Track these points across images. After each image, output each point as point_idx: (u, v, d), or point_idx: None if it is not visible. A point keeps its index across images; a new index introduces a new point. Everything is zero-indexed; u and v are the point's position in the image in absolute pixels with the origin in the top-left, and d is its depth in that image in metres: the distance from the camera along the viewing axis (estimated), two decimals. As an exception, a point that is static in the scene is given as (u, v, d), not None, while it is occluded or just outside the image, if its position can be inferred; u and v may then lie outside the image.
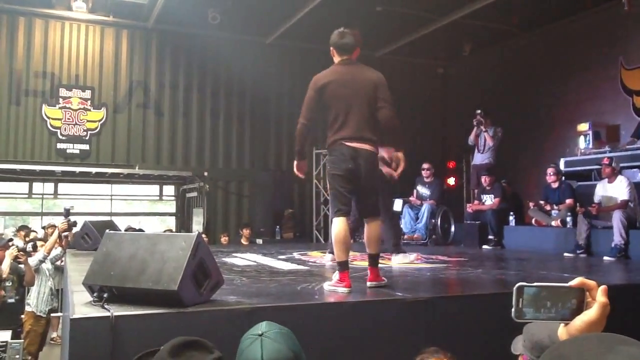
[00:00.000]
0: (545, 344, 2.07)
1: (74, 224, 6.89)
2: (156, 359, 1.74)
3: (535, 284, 1.06)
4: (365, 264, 4.04)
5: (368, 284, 3.82)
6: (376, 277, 3.85)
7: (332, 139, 3.86)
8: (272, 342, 1.74)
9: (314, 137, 11.96)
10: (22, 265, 6.43)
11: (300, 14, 10.04)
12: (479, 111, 9.27)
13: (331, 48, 4.01)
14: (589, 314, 1.04)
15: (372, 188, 3.93)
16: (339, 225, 3.80)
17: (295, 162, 4.15)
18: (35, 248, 7.04)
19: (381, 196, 4.25)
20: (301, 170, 4.13)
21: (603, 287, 1.06)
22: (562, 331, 1.06)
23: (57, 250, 7.09)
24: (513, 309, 1.05)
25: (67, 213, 7.02)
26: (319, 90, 3.86)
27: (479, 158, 9.31)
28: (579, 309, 1.05)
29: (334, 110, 3.82)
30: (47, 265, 7.03)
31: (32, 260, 6.59)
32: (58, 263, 7.41)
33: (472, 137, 9.34)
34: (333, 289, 3.70)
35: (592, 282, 1.06)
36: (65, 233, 6.93)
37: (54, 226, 8.28)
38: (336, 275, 3.78)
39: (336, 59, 4.00)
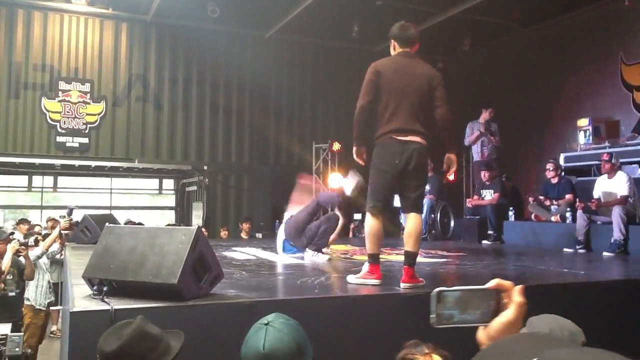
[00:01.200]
0: None
1: (76, 223, 6.91)
2: (134, 329, 1.83)
3: (452, 288, 1.06)
4: (364, 258, 4.04)
5: (401, 285, 3.65)
6: (411, 278, 3.67)
7: (381, 131, 3.78)
8: (276, 332, 1.74)
9: (314, 131, 12.00)
10: (22, 259, 6.44)
11: (300, 8, 10.02)
12: (491, 126, 9.07)
13: (391, 40, 3.96)
14: (506, 315, 1.04)
15: (418, 181, 3.89)
16: (373, 219, 3.79)
17: (354, 149, 3.97)
18: (37, 242, 7.05)
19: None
20: (361, 157, 3.96)
21: (519, 286, 1.06)
22: (482, 334, 1.06)
23: (55, 246, 7.11)
24: (432, 315, 1.05)
25: (70, 212, 7.05)
26: (377, 73, 3.79)
27: (480, 155, 9.23)
28: (497, 310, 1.05)
29: (385, 98, 3.76)
30: (44, 260, 7.05)
31: (30, 255, 6.60)
32: (58, 256, 7.42)
33: (472, 139, 9.19)
34: (362, 281, 3.71)
35: (508, 283, 1.06)
36: (67, 231, 6.95)
37: (54, 219, 8.30)
38: (366, 267, 3.78)
39: (396, 50, 3.95)
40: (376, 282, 3.69)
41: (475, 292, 1.06)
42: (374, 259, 3.77)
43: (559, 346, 0.75)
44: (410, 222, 3.83)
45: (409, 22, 3.99)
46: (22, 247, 6.37)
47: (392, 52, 3.99)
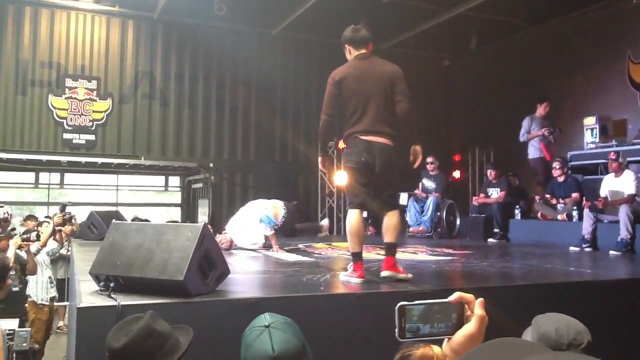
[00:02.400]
0: (552, 336, 2.08)
1: (69, 219, 6.94)
2: (142, 326, 1.83)
3: (416, 302, 1.07)
4: (367, 256, 4.07)
5: (381, 273, 3.78)
6: (391, 267, 3.79)
7: (347, 132, 3.91)
8: (281, 333, 1.72)
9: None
10: (23, 254, 6.47)
11: (306, 6, 10.01)
12: (555, 131, 8.73)
13: (346, 45, 4.03)
14: (468, 328, 1.06)
15: (387, 181, 3.95)
16: (353, 217, 3.86)
17: (319, 159, 4.22)
18: (38, 237, 7.08)
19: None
20: (325, 166, 4.21)
21: (480, 299, 1.08)
22: (446, 346, 1.08)
23: (53, 244, 7.16)
24: (396, 329, 1.06)
25: (62, 208, 7.10)
26: (336, 84, 3.87)
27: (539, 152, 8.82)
28: (460, 323, 1.07)
29: (352, 104, 3.85)
30: (43, 257, 7.08)
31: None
32: (64, 251, 7.46)
33: (531, 137, 8.80)
34: (347, 279, 3.79)
35: (469, 296, 1.08)
36: (60, 227, 7.00)
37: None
38: (351, 266, 3.85)
39: (352, 54, 4.01)
40: (358, 280, 3.73)
41: (438, 305, 1.08)
42: (356, 257, 3.82)
43: (541, 351, 0.75)
44: (389, 218, 3.92)
45: (359, 23, 4.16)
46: (25, 242, 6.39)
47: (348, 56, 4.05)
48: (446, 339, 1.08)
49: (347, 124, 3.89)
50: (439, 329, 1.07)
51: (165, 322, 1.95)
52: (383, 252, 4.01)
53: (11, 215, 8.01)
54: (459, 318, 1.07)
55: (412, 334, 1.06)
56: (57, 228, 7.10)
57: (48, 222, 8.37)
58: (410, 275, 3.83)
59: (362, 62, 3.94)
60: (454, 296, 1.08)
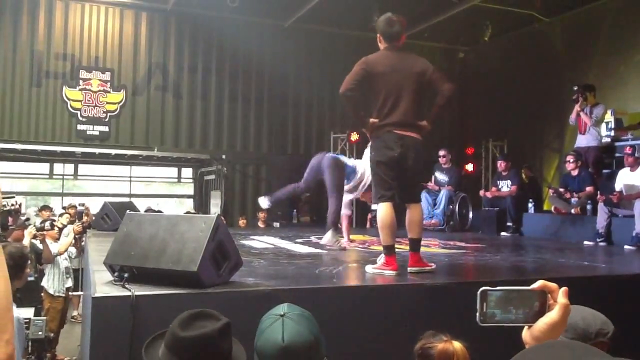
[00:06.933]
0: (580, 326, 2.07)
1: (88, 226, 7.03)
2: (169, 334, 1.79)
3: (498, 288, 1.09)
4: (379, 248, 4.06)
5: (408, 269, 3.81)
6: (417, 262, 3.85)
7: (379, 124, 3.85)
8: (294, 324, 1.72)
9: (332, 121, 11.97)
10: (38, 244, 6.54)
11: (320, -3, 9.97)
12: (575, 87, 8.30)
13: (378, 35, 4.01)
14: (551, 316, 1.06)
15: (417, 175, 4.03)
16: (384, 210, 3.85)
17: (364, 130, 4.03)
18: (52, 226, 7.15)
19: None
20: (372, 127, 3.93)
21: (564, 288, 1.08)
22: (526, 334, 1.09)
23: (72, 250, 7.29)
24: (478, 313, 1.08)
25: (80, 216, 7.18)
26: (367, 69, 3.83)
27: (583, 140, 8.34)
28: (542, 311, 1.08)
29: (383, 94, 3.82)
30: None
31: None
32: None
33: (572, 117, 8.39)
34: (379, 271, 3.77)
35: (553, 285, 1.09)
36: (79, 235, 7.12)
37: (74, 207, 8.40)
38: (381, 259, 3.84)
39: (382, 45, 4.01)
40: (392, 272, 3.73)
41: (520, 292, 1.09)
42: (389, 250, 3.81)
43: (600, 356, 0.76)
44: (413, 212, 3.94)
45: (395, 15, 3.99)
46: (39, 232, 6.46)
47: (380, 44, 4.03)
48: (526, 327, 1.09)
49: (378, 115, 3.84)
50: (519, 315, 1.08)
51: (177, 313, 1.93)
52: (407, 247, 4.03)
53: (20, 204, 8.08)
54: (542, 306, 1.08)
55: (491, 319, 1.08)
56: (76, 236, 7.20)
57: (70, 213, 8.42)
58: (434, 266, 3.92)
59: (394, 53, 3.92)
60: (537, 284, 1.09)
